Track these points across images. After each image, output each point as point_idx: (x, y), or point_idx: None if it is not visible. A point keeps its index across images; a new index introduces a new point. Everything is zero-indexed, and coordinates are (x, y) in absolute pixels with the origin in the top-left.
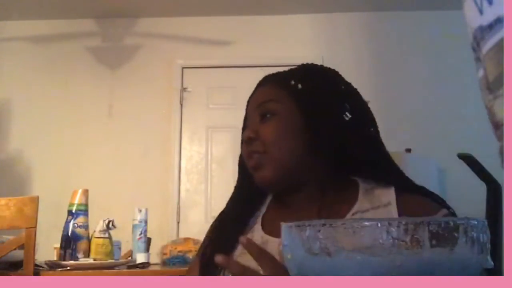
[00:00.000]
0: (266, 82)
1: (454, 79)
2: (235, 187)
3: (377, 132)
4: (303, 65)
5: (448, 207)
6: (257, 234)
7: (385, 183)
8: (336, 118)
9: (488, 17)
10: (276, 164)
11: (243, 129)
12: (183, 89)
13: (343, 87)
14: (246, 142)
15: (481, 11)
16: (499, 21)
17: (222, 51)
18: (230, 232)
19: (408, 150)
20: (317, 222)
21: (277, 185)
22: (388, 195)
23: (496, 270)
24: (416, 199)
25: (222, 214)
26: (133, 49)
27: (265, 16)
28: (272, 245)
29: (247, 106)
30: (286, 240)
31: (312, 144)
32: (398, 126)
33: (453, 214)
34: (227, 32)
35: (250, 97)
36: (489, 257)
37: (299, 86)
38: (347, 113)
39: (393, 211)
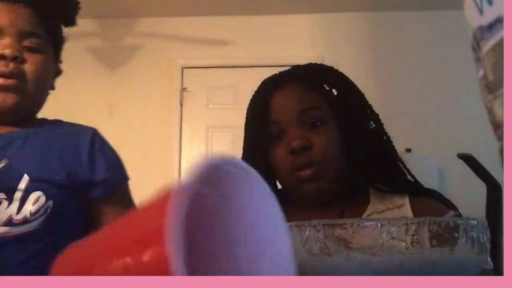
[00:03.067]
0: (296, 81)
1: (454, 79)
2: None
3: (389, 138)
4: (321, 65)
5: (455, 209)
6: None
7: (397, 188)
8: (365, 127)
9: (488, 17)
10: (332, 175)
11: (254, 130)
12: (183, 89)
13: (362, 95)
14: (296, 151)
15: (481, 11)
16: (499, 21)
17: (222, 51)
18: None
19: (408, 150)
20: (317, 222)
21: (328, 197)
22: (401, 198)
23: (496, 270)
24: (426, 201)
25: None
26: (133, 49)
27: (265, 16)
28: None
29: (267, 107)
30: None
31: (346, 155)
32: (398, 126)
33: (459, 216)
34: (227, 32)
35: (270, 96)
36: (489, 258)
37: (334, 92)
38: (372, 122)
39: (407, 213)
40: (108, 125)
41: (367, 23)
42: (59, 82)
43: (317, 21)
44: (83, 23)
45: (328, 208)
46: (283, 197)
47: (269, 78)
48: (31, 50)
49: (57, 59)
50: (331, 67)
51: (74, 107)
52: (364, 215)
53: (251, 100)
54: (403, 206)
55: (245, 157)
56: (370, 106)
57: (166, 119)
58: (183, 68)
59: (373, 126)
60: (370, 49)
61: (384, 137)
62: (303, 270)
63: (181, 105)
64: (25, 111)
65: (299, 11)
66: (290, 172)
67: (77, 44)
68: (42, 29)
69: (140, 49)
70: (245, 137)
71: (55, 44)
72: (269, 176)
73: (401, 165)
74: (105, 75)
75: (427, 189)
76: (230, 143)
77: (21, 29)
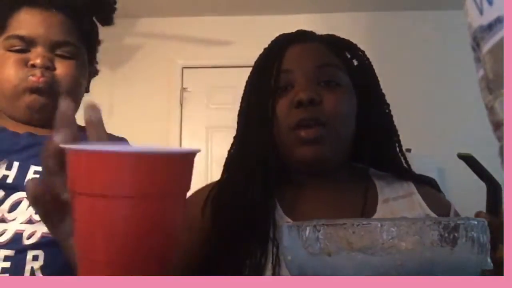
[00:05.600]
0: (317, 40)
1: (454, 79)
2: (234, 154)
3: (396, 130)
4: (344, 39)
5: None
6: (279, 220)
7: (397, 172)
8: (381, 107)
9: (488, 17)
10: (336, 140)
11: (261, 78)
12: (183, 89)
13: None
14: (303, 104)
15: (481, 11)
16: (499, 21)
17: (222, 51)
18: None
19: (408, 150)
20: (317, 222)
21: (327, 165)
22: (408, 185)
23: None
24: (431, 191)
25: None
26: (133, 49)
27: (265, 16)
28: None
29: (282, 56)
30: (286, 241)
31: (358, 128)
32: (398, 126)
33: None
34: (227, 32)
35: (287, 46)
36: (488, 258)
37: (355, 62)
38: (386, 107)
39: (420, 202)
40: (108, 125)
41: (367, 23)
42: None
43: (317, 21)
44: None
45: (331, 183)
46: (283, 172)
47: (287, 33)
48: (63, 57)
49: (92, 61)
50: (356, 45)
51: None
52: (380, 200)
53: (262, 53)
54: (414, 195)
55: (245, 113)
56: (384, 95)
57: (166, 119)
58: (183, 68)
59: (387, 111)
60: (370, 49)
61: (393, 127)
62: (303, 270)
63: (181, 105)
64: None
65: (299, 11)
66: (291, 129)
67: None
68: (74, 36)
69: (140, 49)
70: (245, 90)
71: (90, 47)
72: (268, 138)
73: (403, 158)
74: (105, 75)
75: (426, 177)
76: (230, 143)
77: (53, 40)
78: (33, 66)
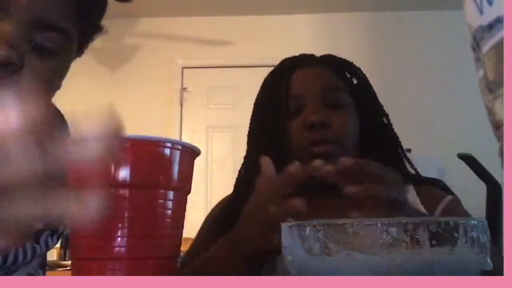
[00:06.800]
0: (320, 63)
1: (454, 79)
2: (245, 170)
3: (397, 137)
4: (342, 59)
5: (453, 194)
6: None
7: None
8: (380, 120)
9: (488, 17)
10: (344, 155)
11: (270, 103)
12: (183, 89)
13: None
14: (316, 127)
15: (481, 11)
16: (499, 21)
17: (222, 51)
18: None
19: (408, 150)
20: (317, 222)
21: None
22: (410, 194)
23: (496, 270)
24: (427, 188)
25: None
26: (133, 49)
27: (265, 16)
28: None
29: (289, 81)
30: (286, 241)
31: (361, 141)
32: (398, 126)
33: (458, 201)
34: (227, 32)
35: (292, 72)
36: (488, 259)
37: (354, 81)
38: (384, 118)
39: (415, 199)
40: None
41: (367, 23)
42: None
43: (317, 21)
44: None
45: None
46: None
47: (290, 57)
48: (40, 49)
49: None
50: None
51: (74, 107)
52: None
53: (268, 77)
54: (418, 205)
55: (255, 134)
56: (382, 106)
57: (166, 119)
58: (183, 68)
59: (386, 122)
60: (370, 49)
61: (394, 134)
62: (303, 270)
63: (181, 105)
64: None
65: (299, 11)
66: (304, 147)
67: None
68: (66, 17)
69: (140, 49)
70: (255, 113)
71: (86, 32)
72: (280, 156)
73: (406, 161)
74: (105, 75)
75: (432, 178)
76: (230, 143)
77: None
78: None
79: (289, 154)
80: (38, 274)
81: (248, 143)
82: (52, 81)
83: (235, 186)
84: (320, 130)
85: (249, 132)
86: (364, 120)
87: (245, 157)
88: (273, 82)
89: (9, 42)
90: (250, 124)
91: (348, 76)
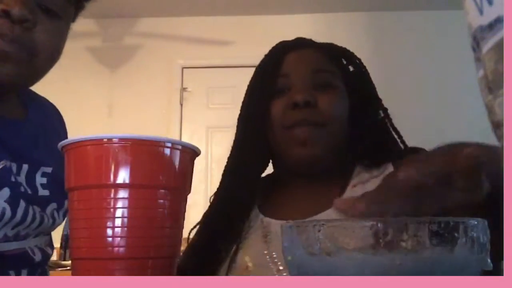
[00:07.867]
0: (314, 47)
1: (454, 79)
2: (233, 157)
3: (398, 132)
4: (342, 47)
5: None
6: (254, 217)
7: (384, 159)
8: (375, 113)
9: (488, 17)
10: (330, 141)
11: (262, 77)
12: (183, 89)
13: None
14: (299, 105)
15: (481, 11)
16: (499, 21)
17: (222, 51)
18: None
19: None
20: (317, 222)
21: (319, 167)
22: (386, 165)
23: (496, 270)
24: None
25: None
26: (133, 49)
27: (265, 16)
28: (276, 228)
29: (280, 61)
30: (286, 241)
31: (351, 131)
32: (398, 126)
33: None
34: (227, 32)
35: (285, 53)
36: (488, 259)
37: (350, 68)
38: (381, 111)
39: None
40: (108, 125)
41: (367, 23)
42: (59, 82)
43: (317, 21)
44: (83, 23)
45: (316, 181)
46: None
47: (286, 40)
48: (48, 12)
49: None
50: (351, 52)
51: (73, 107)
52: (349, 187)
53: (262, 59)
54: (387, 170)
55: (243, 116)
56: (380, 100)
57: (166, 119)
58: (183, 68)
59: (382, 115)
60: (370, 49)
61: (393, 129)
62: (303, 270)
63: (181, 105)
64: (23, 87)
65: (299, 11)
66: (285, 129)
67: (77, 44)
68: None
69: (140, 49)
70: (246, 95)
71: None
72: (264, 139)
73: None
74: (105, 75)
75: (414, 148)
76: (230, 143)
77: None
78: (6, 14)
79: (272, 137)
80: (47, 252)
81: (237, 126)
82: (60, 42)
83: (222, 175)
84: (304, 110)
85: (238, 115)
86: (358, 110)
87: (234, 141)
88: (265, 63)
89: (23, 2)
90: (241, 107)
91: (344, 62)
